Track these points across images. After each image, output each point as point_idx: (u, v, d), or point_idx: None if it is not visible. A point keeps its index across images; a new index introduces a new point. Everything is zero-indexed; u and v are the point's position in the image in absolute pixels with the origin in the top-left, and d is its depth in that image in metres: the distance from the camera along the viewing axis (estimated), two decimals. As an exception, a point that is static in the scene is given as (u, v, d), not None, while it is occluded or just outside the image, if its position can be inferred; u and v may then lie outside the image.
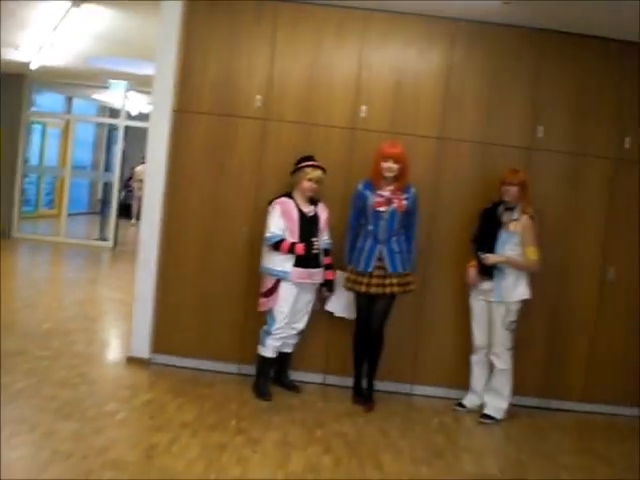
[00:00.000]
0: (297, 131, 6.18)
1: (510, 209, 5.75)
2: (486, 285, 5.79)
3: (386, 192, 5.66)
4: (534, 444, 5.44)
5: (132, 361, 6.32)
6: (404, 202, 5.66)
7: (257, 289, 5.98)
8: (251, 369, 6.01)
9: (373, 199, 5.65)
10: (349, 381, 6.03)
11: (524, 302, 5.79)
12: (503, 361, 5.75)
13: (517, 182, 5.68)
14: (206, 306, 6.30)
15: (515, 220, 5.70)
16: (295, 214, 5.75)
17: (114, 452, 4.37)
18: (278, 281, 5.74)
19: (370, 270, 5.64)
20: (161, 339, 6.35)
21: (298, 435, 5.05)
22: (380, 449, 4.92)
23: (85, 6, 7.91)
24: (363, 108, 6.17)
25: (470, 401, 6.01)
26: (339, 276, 5.93)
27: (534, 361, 6.28)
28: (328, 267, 5.92)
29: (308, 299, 5.93)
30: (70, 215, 15.17)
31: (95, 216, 17.51)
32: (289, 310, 5.77)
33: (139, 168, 17.39)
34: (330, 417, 5.48)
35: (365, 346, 5.85)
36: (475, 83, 6.21)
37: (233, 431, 4.98)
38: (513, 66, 6.20)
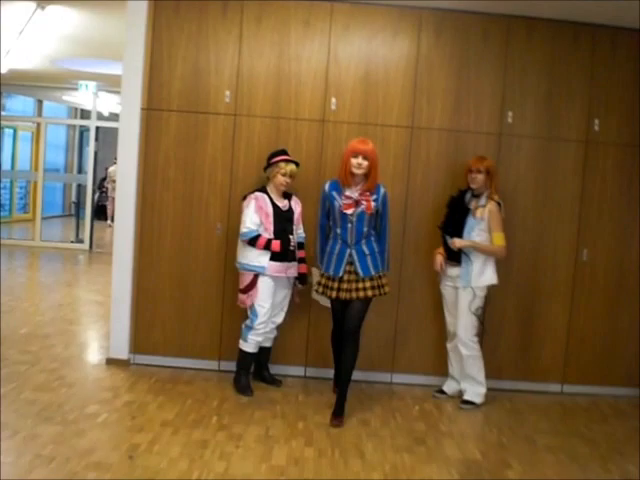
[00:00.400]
0: (268, 125, 6.18)
1: (477, 196, 5.78)
2: (454, 271, 5.82)
3: (354, 193, 5.38)
4: (515, 427, 5.49)
5: (112, 362, 6.31)
6: (373, 204, 5.36)
7: (234, 285, 6.00)
8: (231, 365, 6.02)
9: (340, 201, 5.38)
10: (330, 372, 6.04)
11: (490, 288, 5.84)
12: (468, 348, 5.78)
13: (484, 169, 5.72)
14: (184, 304, 6.30)
15: (482, 207, 5.72)
16: (270, 209, 5.74)
17: (97, 454, 4.38)
18: (256, 276, 5.74)
19: (340, 274, 5.38)
20: (140, 339, 6.35)
21: (280, 429, 5.07)
22: (362, 439, 4.95)
23: (50, 8, 7.86)
24: (333, 100, 6.17)
25: (449, 387, 6.05)
26: (314, 273, 5.91)
27: (512, 344, 6.34)
28: (301, 260, 5.93)
29: (285, 293, 5.94)
30: (45, 219, 15.05)
31: (70, 219, 17.45)
32: (270, 304, 5.77)
33: (112, 169, 17.30)
34: (311, 409, 5.49)
35: (341, 347, 5.53)
36: (443, 71, 6.22)
37: (215, 427, 5.00)
38: (481, 53, 6.21)
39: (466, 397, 5.84)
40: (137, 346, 6.35)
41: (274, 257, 5.71)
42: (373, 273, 5.39)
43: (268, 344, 6.02)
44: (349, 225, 5.35)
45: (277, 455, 4.58)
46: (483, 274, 5.73)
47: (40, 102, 17.56)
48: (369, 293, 5.38)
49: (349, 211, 5.34)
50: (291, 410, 5.49)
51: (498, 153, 6.18)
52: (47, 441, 4.50)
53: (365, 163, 5.30)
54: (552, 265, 6.33)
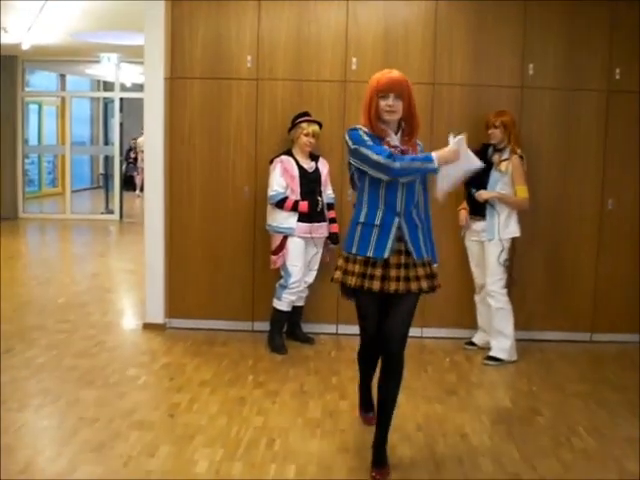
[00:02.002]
0: (290, 88, 6.24)
1: (499, 150, 5.79)
2: (479, 225, 5.85)
3: (393, 140, 3.84)
4: (545, 376, 5.57)
5: (148, 327, 6.46)
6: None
7: (263, 246, 6.12)
8: (264, 326, 6.14)
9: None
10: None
11: (515, 240, 5.87)
12: (497, 300, 5.78)
13: (499, 124, 5.71)
14: (215, 267, 6.43)
15: (505, 160, 5.73)
16: (295, 171, 5.83)
17: (139, 414, 4.53)
18: (285, 238, 5.84)
19: (386, 256, 3.76)
20: (175, 303, 6.49)
21: (314, 384, 5.20)
22: (395, 391, 5.06)
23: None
24: (354, 60, 6.21)
25: (480, 338, 6.12)
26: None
27: (541, 295, 6.40)
28: (333, 220, 6.02)
29: (315, 252, 6.04)
30: (74, 191, 15.28)
31: (99, 190, 17.67)
32: (302, 263, 5.88)
33: (141, 139, 17.43)
34: (344, 364, 5.58)
35: (374, 366, 4.25)
36: (463, 26, 6.21)
37: (251, 385, 5.13)
38: (500, 5, 6.20)
39: (490, 353, 5.84)
40: (172, 310, 6.49)
41: (302, 218, 5.81)
42: (425, 256, 3.90)
43: (300, 303, 6.13)
44: (399, 184, 3.78)
45: (313, 409, 4.71)
46: (508, 226, 5.74)
47: (63, 76, 17.68)
48: (424, 285, 3.85)
49: None
50: (324, 366, 5.61)
51: (521, 106, 6.19)
52: (90, 404, 4.66)
53: (399, 104, 3.78)
54: (578, 215, 6.35)
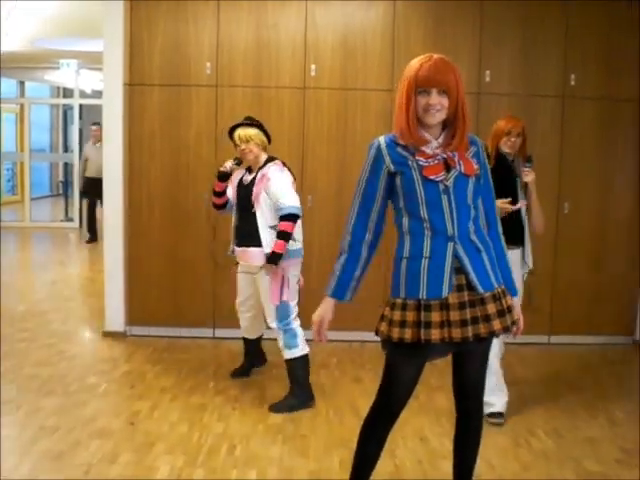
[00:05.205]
0: (249, 95, 6.25)
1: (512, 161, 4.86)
2: (515, 254, 4.67)
3: (434, 149, 2.88)
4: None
5: (108, 335, 6.43)
6: (474, 160, 2.94)
7: (223, 253, 6.08)
8: (225, 332, 6.16)
9: (415, 162, 2.86)
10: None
11: None
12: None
13: (522, 131, 4.82)
14: (176, 274, 6.42)
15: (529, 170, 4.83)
16: (236, 182, 5.07)
17: (99, 422, 4.50)
18: None
19: (445, 294, 2.84)
20: (135, 311, 6.47)
21: (275, 390, 5.19)
22: (356, 396, 5.07)
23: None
24: (313, 67, 6.24)
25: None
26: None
27: (499, 299, 6.45)
28: (278, 235, 4.73)
29: (257, 286, 5.04)
30: (33, 199, 15.12)
31: (59, 198, 17.50)
32: (241, 286, 5.23)
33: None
34: (305, 370, 5.63)
35: (382, 447, 3.24)
36: (421, 32, 6.28)
37: (212, 392, 5.13)
38: (456, 12, 6.28)
39: (494, 410, 4.77)
40: (132, 318, 6.47)
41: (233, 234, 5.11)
42: (496, 285, 2.94)
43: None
44: (444, 201, 2.86)
45: (273, 415, 4.72)
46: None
47: (22, 83, 17.50)
48: (495, 326, 2.88)
49: (439, 176, 2.84)
50: (285, 372, 5.57)
51: (477, 112, 6.25)
52: (50, 413, 4.62)
53: (444, 101, 2.84)
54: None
